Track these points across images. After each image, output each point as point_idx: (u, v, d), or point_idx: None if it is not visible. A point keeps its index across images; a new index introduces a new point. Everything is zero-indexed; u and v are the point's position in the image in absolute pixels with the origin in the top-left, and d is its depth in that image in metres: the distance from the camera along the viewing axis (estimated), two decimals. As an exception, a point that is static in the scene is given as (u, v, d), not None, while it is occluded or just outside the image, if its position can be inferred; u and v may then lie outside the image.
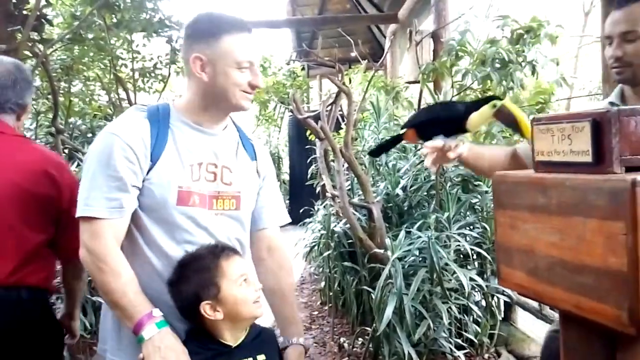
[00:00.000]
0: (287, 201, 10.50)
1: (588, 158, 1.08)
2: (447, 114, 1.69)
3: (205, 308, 1.33)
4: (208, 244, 1.42)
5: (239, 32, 1.42)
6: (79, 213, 1.36)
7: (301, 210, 6.13)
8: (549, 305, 1.22)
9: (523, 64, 3.16)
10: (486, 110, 1.62)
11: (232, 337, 1.38)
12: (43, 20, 3.74)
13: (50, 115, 4.76)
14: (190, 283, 1.33)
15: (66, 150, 4.77)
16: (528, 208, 1.22)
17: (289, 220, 1.75)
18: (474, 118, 1.64)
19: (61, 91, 5.03)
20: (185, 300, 1.34)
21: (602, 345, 1.09)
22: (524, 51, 3.14)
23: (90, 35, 4.47)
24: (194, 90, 1.48)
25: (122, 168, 1.35)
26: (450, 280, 3.21)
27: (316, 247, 4.93)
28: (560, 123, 1.14)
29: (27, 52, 3.44)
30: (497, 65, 3.23)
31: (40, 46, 3.67)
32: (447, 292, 3.18)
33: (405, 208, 4.06)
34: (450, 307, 3.20)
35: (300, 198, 7.65)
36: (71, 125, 5.51)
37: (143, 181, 1.39)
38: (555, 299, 1.15)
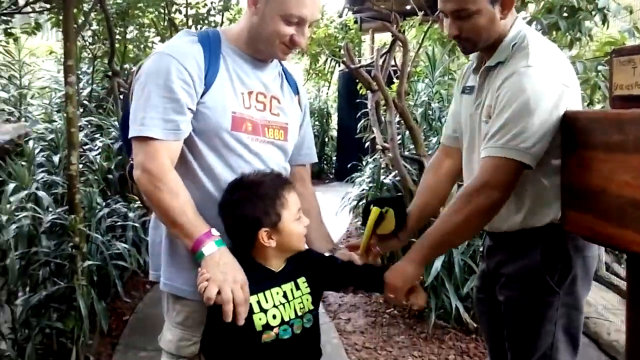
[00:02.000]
0: (335, 157, 10.48)
1: (674, 91, 1.02)
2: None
3: (263, 235, 1.35)
4: (269, 171, 1.44)
5: None
6: (134, 133, 1.37)
7: (349, 166, 6.11)
8: (619, 248, 1.18)
9: (593, 12, 2.99)
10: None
11: (276, 264, 1.43)
12: (101, -39, 3.77)
13: (106, 61, 4.86)
14: (254, 207, 1.35)
15: (121, 96, 4.89)
16: (602, 146, 1.16)
17: (316, 159, 1.79)
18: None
19: (117, 37, 5.11)
20: (244, 222, 1.36)
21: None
22: (595, -2, 2.97)
23: (145, -21, 4.50)
24: (245, 22, 1.49)
25: (179, 90, 1.36)
26: (502, 235, 3.16)
27: (364, 200, 4.92)
28: (645, 54, 1.07)
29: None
30: (565, 14, 3.07)
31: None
32: (498, 247, 3.14)
33: (458, 163, 3.99)
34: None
35: (348, 154, 7.61)
36: (126, 72, 5.63)
37: (197, 104, 1.40)
38: (627, 241, 1.11)
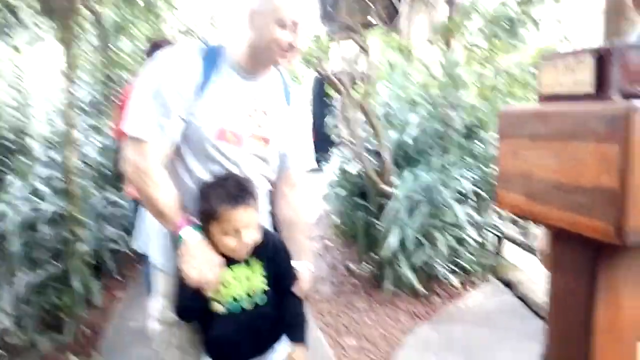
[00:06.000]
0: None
1: (589, 89, 1.02)
2: None
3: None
4: (239, 180, 1.37)
5: None
6: (128, 130, 1.32)
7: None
8: (544, 224, 1.19)
9: (528, 22, 3.03)
10: None
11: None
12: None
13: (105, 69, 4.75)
14: (205, 203, 1.35)
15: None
16: (529, 136, 1.16)
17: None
18: None
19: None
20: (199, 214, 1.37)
21: (587, 258, 1.07)
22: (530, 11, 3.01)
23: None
24: (246, 38, 1.39)
25: (170, 97, 1.31)
26: (449, 215, 3.19)
27: (332, 187, 4.92)
28: (565, 57, 1.07)
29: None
30: (506, 26, 3.11)
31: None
32: (446, 225, 3.17)
33: (413, 154, 4.00)
34: (447, 239, 3.19)
35: (321, 147, 7.63)
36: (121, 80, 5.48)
37: (188, 115, 1.34)
38: (550, 218, 1.11)
